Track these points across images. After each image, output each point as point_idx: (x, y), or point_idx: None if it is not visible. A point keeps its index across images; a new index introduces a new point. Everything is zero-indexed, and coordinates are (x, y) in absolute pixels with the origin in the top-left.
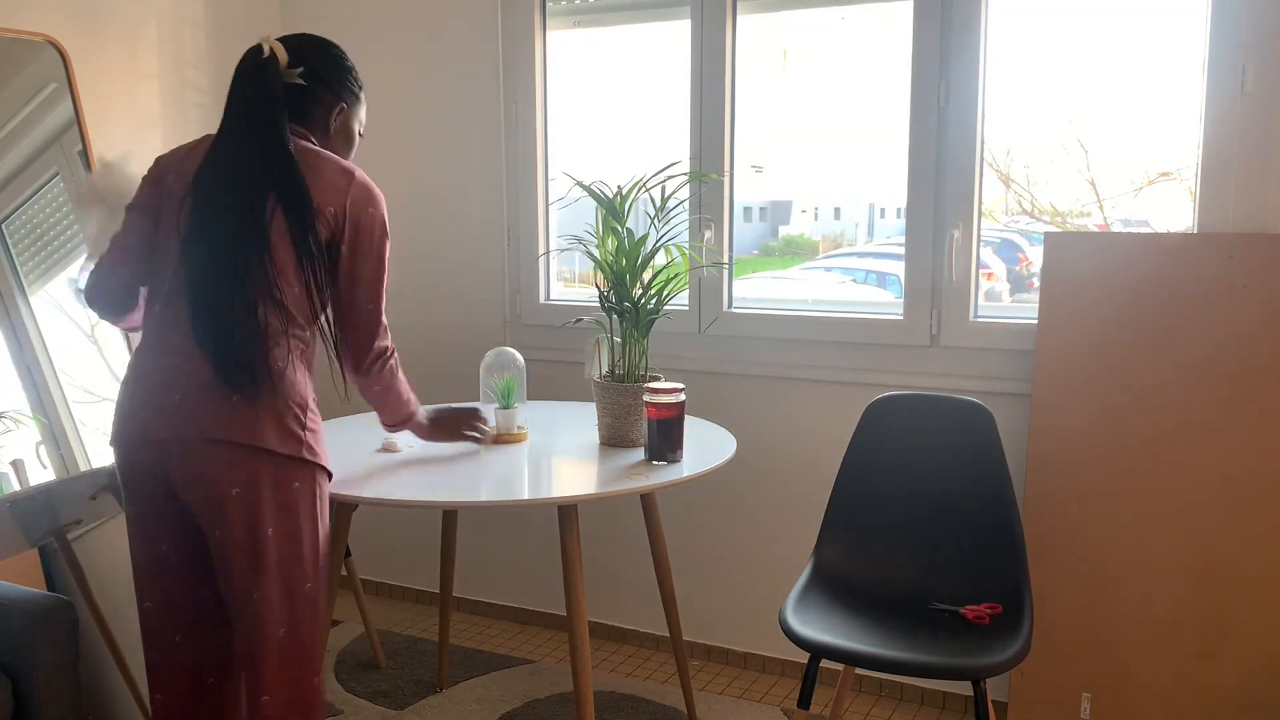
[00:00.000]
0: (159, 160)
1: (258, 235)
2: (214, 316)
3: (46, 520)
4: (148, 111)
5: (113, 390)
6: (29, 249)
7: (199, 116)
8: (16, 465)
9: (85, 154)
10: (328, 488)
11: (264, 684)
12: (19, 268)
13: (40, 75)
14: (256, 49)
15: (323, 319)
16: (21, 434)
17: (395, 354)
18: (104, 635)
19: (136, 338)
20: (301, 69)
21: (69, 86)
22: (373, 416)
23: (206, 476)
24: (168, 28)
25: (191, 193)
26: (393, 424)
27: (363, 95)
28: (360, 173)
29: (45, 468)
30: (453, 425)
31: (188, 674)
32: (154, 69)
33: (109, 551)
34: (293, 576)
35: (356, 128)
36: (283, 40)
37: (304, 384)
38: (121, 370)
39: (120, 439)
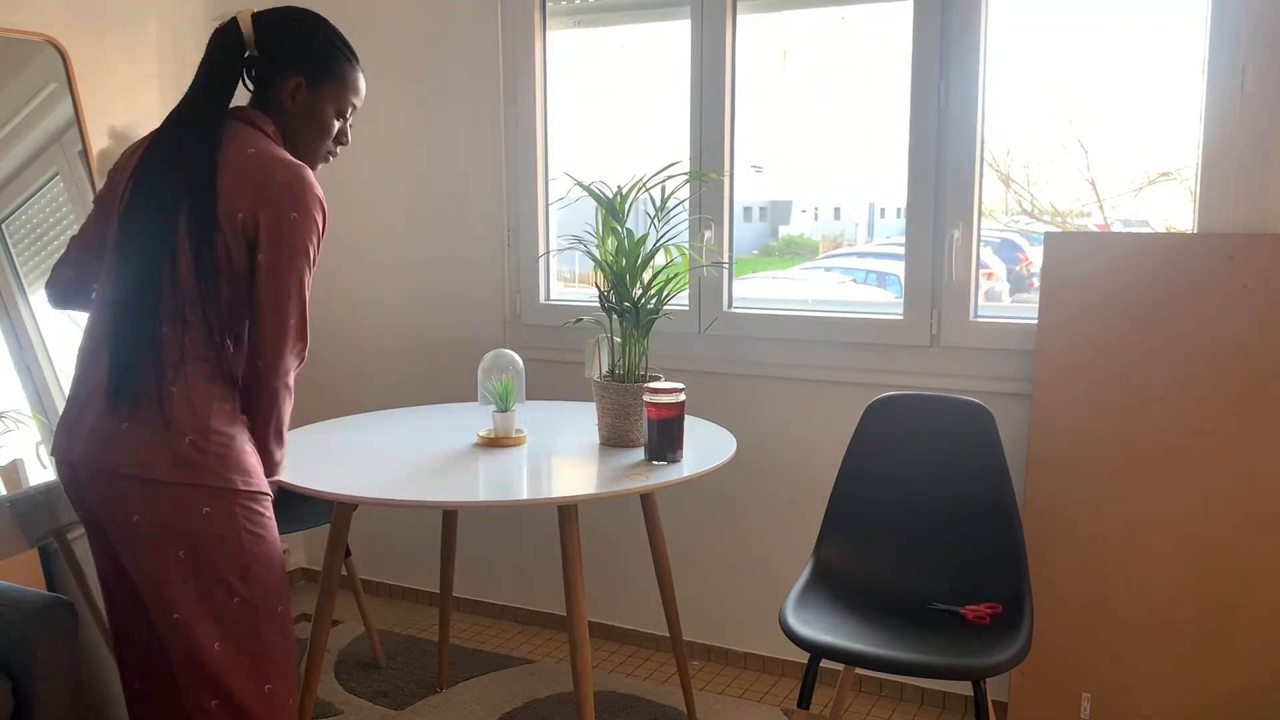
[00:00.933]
0: (124, 152)
1: (168, 244)
2: (120, 334)
3: (46, 520)
4: (148, 111)
5: None
6: (29, 249)
7: None
8: (16, 465)
9: (85, 154)
10: (260, 504)
11: (194, 696)
12: (19, 268)
13: (40, 75)
14: (220, 17)
15: (228, 337)
16: (21, 434)
17: (289, 395)
18: (104, 635)
19: None
20: (257, 36)
21: (69, 86)
22: (364, 418)
23: (109, 505)
24: (168, 28)
25: (127, 191)
26: (262, 454)
27: (346, 73)
28: (292, 170)
29: (45, 468)
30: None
31: (150, 676)
32: (154, 69)
33: None
34: (214, 593)
35: (330, 111)
36: (261, 13)
37: (206, 405)
38: None
39: (53, 453)
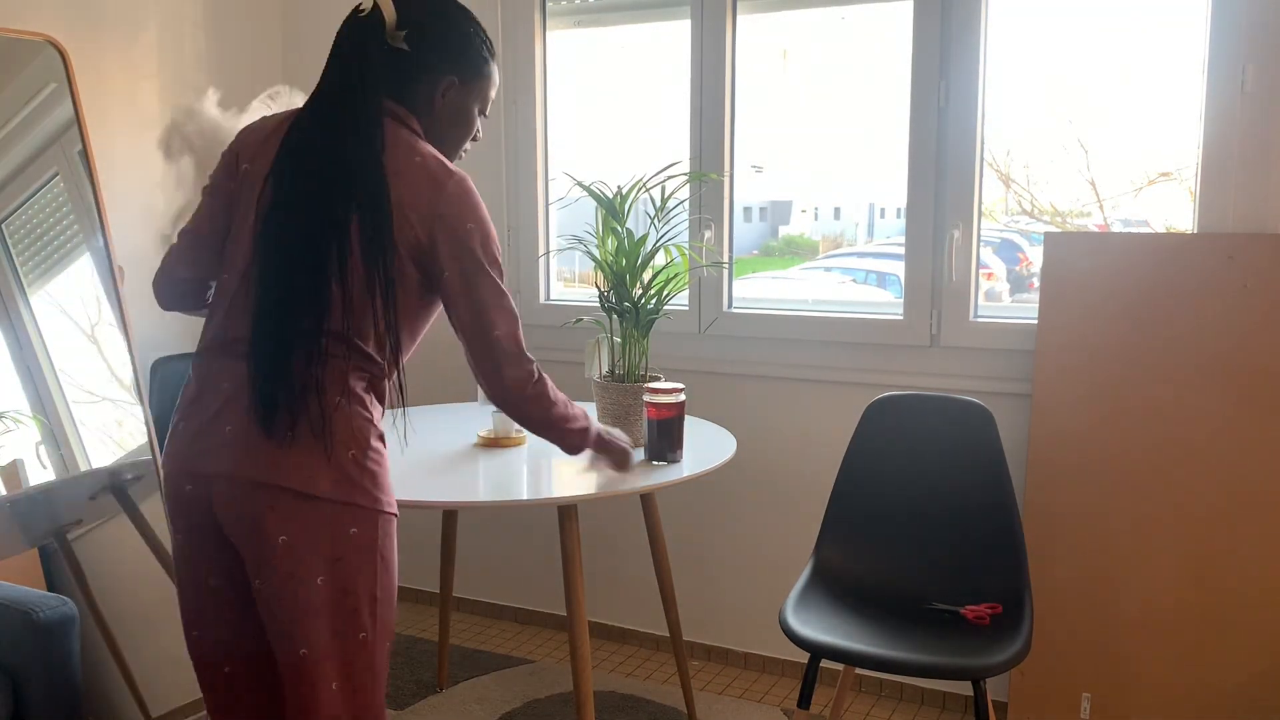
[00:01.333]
0: (240, 136)
1: (333, 253)
2: (273, 345)
3: (46, 520)
4: (148, 111)
5: (113, 390)
6: (29, 249)
7: None
8: (16, 465)
9: (85, 154)
10: (393, 530)
11: None
12: (19, 268)
13: (40, 75)
14: (357, 7)
15: (388, 347)
16: (21, 434)
17: (540, 379)
18: (104, 635)
19: (139, 338)
20: (406, 31)
21: (69, 86)
22: None
23: (251, 521)
24: (168, 28)
25: (269, 188)
26: (568, 450)
27: (491, 70)
28: (455, 179)
29: (45, 468)
30: (621, 457)
31: (246, 706)
32: (154, 69)
33: (109, 551)
34: (345, 630)
35: (474, 110)
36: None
37: (366, 421)
38: (121, 370)
39: (167, 465)
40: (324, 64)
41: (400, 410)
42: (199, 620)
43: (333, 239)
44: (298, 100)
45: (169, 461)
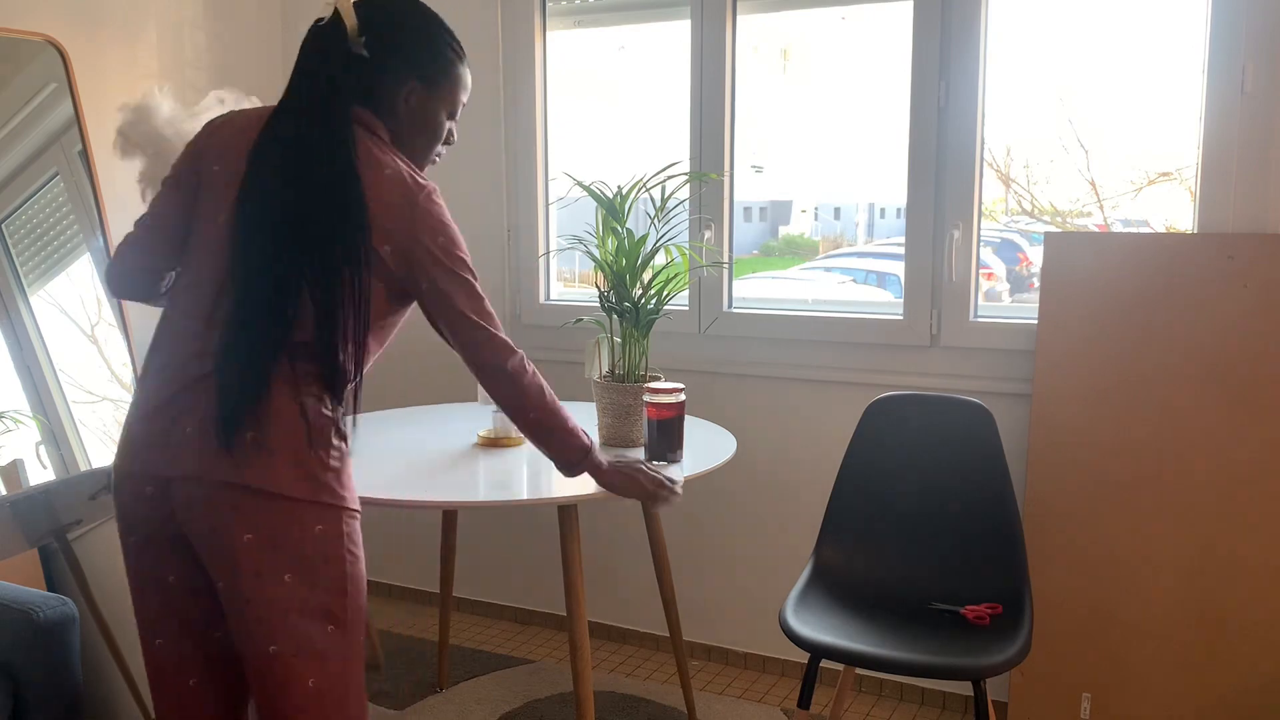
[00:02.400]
0: (207, 131)
1: (307, 267)
2: (241, 355)
3: (46, 520)
4: None
5: (113, 390)
6: (29, 249)
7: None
8: (16, 465)
9: (85, 154)
10: (358, 526)
11: None
12: (19, 268)
13: (40, 75)
14: (318, 18)
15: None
16: (21, 434)
17: (527, 366)
18: (104, 635)
19: (139, 338)
20: (366, 37)
21: (69, 86)
22: (364, 419)
23: (215, 521)
24: (168, 28)
25: (243, 199)
26: (562, 464)
27: (459, 73)
28: (426, 192)
29: (45, 468)
30: (645, 481)
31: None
32: (154, 69)
33: (109, 551)
34: (316, 624)
35: (442, 115)
36: (363, 4)
37: (328, 420)
38: (121, 370)
39: (123, 467)
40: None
41: (353, 417)
42: (161, 628)
43: (307, 253)
44: (245, 104)
45: (126, 464)
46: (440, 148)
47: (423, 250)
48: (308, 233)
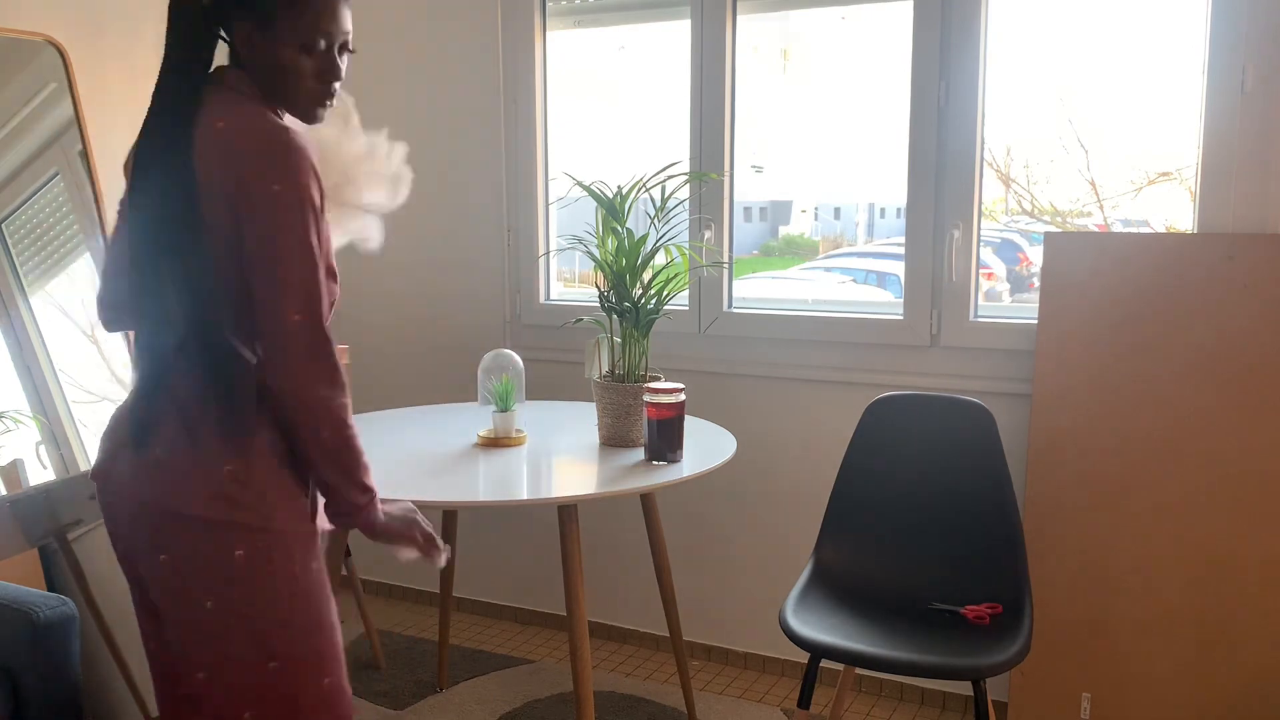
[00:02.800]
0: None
1: (162, 237)
2: (142, 357)
3: (46, 520)
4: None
5: (113, 390)
6: (29, 249)
7: None
8: (16, 465)
9: (85, 154)
10: (307, 550)
11: None
12: (19, 268)
13: (40, 75)
14: None
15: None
16: (21, 434)
17: (345, 400)
18: (104, 635)
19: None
20: None
21: (69, 86)
22: (364, 419)
23: (135, 540)
24: None
25: (121, 211)
26: (341, 508)
27: (302, 7)
28: (259, 138)
29: (45, 468)
30: (405, 528)
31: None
32: (154, 69)
33: (109, 551)
34: (250, 657)
35: (293, 52)
36: None
37: (249, 429)
38: (121, 370)
39: (94, 482)
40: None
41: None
42: (144, 638)
43: (159, 230)
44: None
45: (94, 478)
46: (317, 85)
47: (246, 207)
48: (152, 189)
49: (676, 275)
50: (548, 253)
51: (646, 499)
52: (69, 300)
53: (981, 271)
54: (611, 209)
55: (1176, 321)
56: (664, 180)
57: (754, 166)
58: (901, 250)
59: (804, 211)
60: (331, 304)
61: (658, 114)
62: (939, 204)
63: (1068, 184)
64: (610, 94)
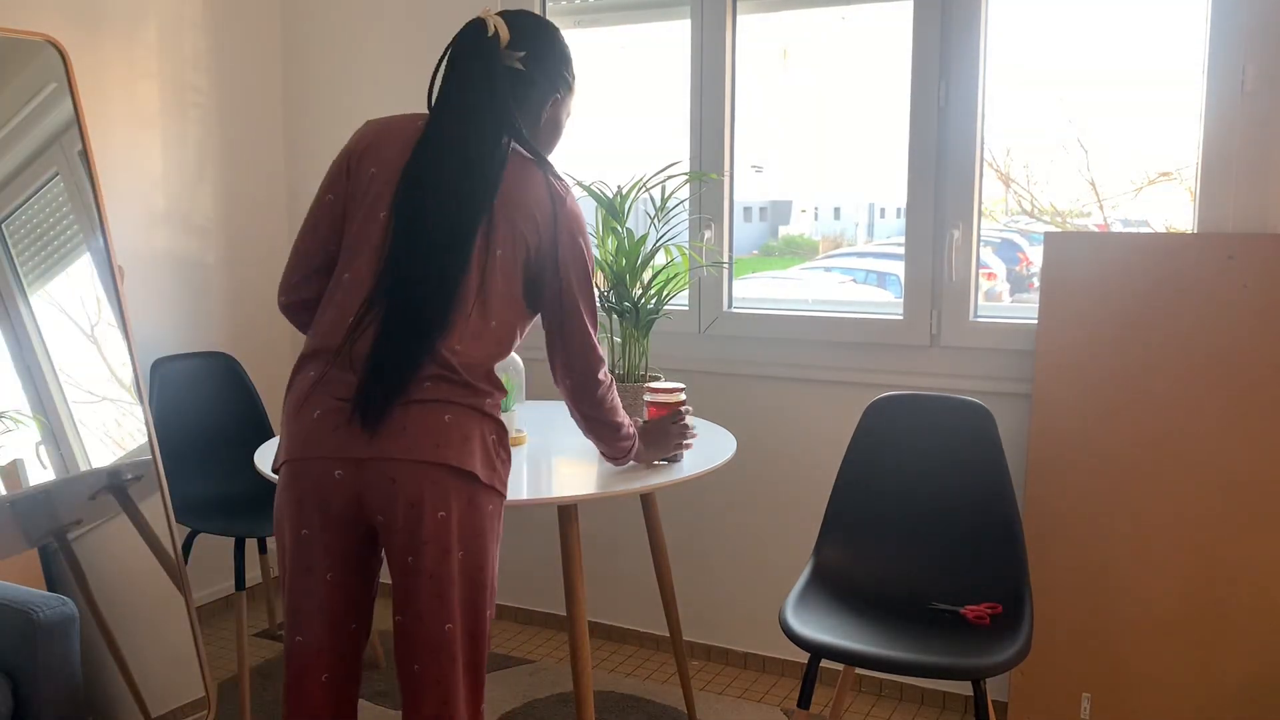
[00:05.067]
0: (360, 139)
1: (467, 259)
2: (389, 355)
3: (46, 520)
4: (148, 111)
5: (113, 390)
6: (29, 249)
7: (199, 116)
8: (16, 465)
9: (85, 154)
10: (502, 506)
11: (457, 714)
12: (19, 268)
13: (40, 75)
14: (479, 23)
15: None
16: (21, 434)
17: (612, 384)
18: (104, 635)
19: (139, 338)
20: (523, 53)
21: (69, 86)
22: None
23: (410, 499)
24: (168, 28)
25: (400, 194)
26: (611, 456)
27: (575, 84)
28: (571, 196)
29: (45, 468)
30: (664, 439)
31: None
32: (154, 69)
33: (109, 551)
34: (478, 604)
35: (564, 120)
36: (503, 16)
37: (494, 407)
38: (121, 370)
39: (300, 453)
40: (438, 77)
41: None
42: (308, 624)
43: (464, 264)
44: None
45: (305, 450)
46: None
47: (567, 250)
48: (466, 215)
49: (676, 275)
50: None
51: (646, 499)
52: (69, 300)
53: (981, 271)
54: (611, 209)
55: (1176, 321)
56: (664, 180)
57: (754, 166)
58: (901, 250)
59: (804, 211)
60: None
61: (658, 114)
62: (939, 204)
63: (1068, 184)
64: (610, 94)
